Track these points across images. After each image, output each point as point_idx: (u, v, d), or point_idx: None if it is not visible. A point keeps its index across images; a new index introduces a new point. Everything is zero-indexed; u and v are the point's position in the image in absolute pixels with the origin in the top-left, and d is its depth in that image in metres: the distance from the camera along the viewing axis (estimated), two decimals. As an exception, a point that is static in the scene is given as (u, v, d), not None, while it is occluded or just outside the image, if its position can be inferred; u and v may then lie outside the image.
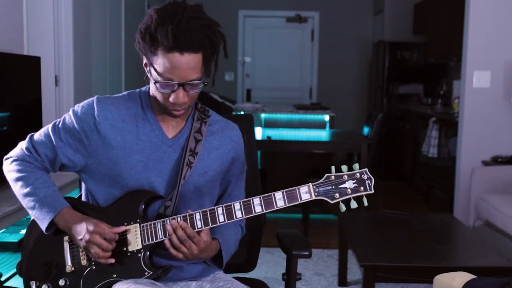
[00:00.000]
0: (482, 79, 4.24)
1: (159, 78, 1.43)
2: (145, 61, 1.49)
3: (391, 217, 3.22)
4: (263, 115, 5.70)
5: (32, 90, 3.05)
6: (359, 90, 7.95)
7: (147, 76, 1.53)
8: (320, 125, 5.66)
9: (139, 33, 1.44)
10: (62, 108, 3.78)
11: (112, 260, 1.49)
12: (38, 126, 3.03)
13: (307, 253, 1.75)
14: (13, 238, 2.86)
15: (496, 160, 4.11)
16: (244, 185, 1.73)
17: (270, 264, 3.52)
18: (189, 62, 1.41)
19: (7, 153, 1.61)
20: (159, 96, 1.48)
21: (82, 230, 1.47)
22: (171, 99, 1.46)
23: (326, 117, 5.69)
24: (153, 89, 1.50)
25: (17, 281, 2.55)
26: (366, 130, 4.86)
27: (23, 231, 2.88)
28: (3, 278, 2.52)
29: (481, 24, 4.22)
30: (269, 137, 4.39)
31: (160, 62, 1.41)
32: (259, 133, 4.77)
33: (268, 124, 5.64)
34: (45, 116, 3.26)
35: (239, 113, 5.15)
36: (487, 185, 3.88)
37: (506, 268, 2.42)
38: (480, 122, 4.27)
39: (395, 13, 7.13)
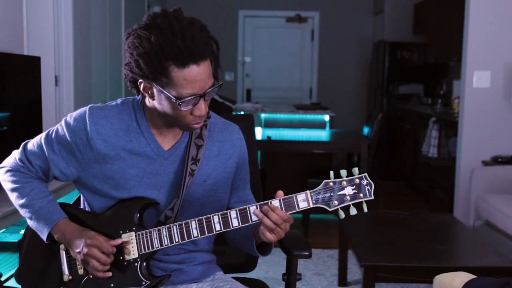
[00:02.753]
0: (482, 79, 4.24)
1: (179, 97, 1.36)
2: (143, 85, 1.41)
3: (391, 217, 3.22)
4: (263, 115, 5.70)
5: (32, 90, 3.05)
6: (359, 90, 7.95)
7: (142, 98, 1.47)
8: (320, 125, 5.67)
9: (140, 59, 1.34)
10: (62, 108, 3.78)
11: (110, 274, 1.47)
12: (38, 126, 3.03)
13: (307, 253, 1.75)
14: (13, 238, 2.86)
15: (496, 160, 4.11)
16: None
17: (270, 264, 3.52)
18: (205, 71, 1.36)
19: (7, 153, 1.61)
20: (177, 115, 1.40)
21: (80, 243, 1.46)
22: (194, 114, 1.40)
23: (326, 117, 5.69)
24: (166, 109, 1.40)
25: (17, 281, 2.55)
26: (366, 130, 4.86)
27: (23, 231, 2.88)
28: (3, 278, 2.52)
29: (481, 24, 4.21)
30: (269, 137, 4.39)
31: (176, 80, 1.34)
32: (259, 133, 4.77)
33: (268, 124, 5.64)
34: (45, 116, 3.27)
35: (239, 113, 5.16)
36: (487, 185, 3.88)
37: (506, 268, 2.42)
38: (480, 122, 4.27)
39: (395, 13, 7.13)
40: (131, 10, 5.35)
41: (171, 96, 1.36)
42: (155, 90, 1.40)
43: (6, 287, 2.30)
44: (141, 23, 1.39)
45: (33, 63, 3.07)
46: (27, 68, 3.01)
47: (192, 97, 1.36)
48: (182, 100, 1.36)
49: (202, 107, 1.40)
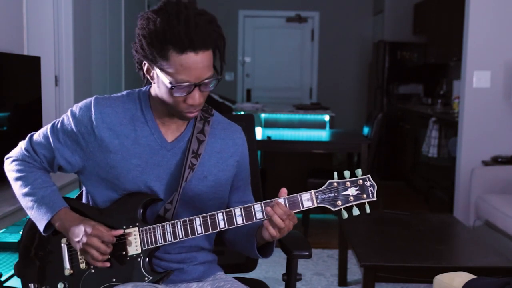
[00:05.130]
0: (482, 79, 4.24)
1: (174, 82, 1.38)
2: (147, 67, 1.45)
3: (391, 217, 3.22)
4: (263, 115, 5.70)
5: (32, 90, 3.05)
6: (359, 90, 7.95)
7: (147, 81, 1.50)
8: (320, 125, 5.67)
9: (143, 39, 1.39)
10: (62, 108, 3.78)
11: (108, 264, 1.48)
12: (38, 126, 3.02)
13: (307, 253, 1.75)
14: (13, 238, 2.87)
15: (496, 160, 4.11)
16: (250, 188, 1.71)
17: (270, 264, 3.52)
18: (203, 60, 1.38)
19: (7, 153, 1.62)
20: (171, 100, 1.42)
21: (80, 232, 1.45)
22: (187, 102, 1.41)
23: (326, 117, 5.69)
24: (163, 93, 1.43)
25: (17, 281, 2.55)
26: (366, 130, 4.86)
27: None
28: (3, 278, 2.52)
29: (481, 24, 4.21)
30: (269, 137, 4.39)
31: (173, 65, 1.37)
32: (259, 133, 4.77)
33: (268, 124, 5.64)
34: (45, 116, 3.26)
35: (239, 113, 5.16)
36: (487, 185, 3.88)
37: (506, 268, 2.42)
38: (480, 122, 4.27)
39: (395, 13, 7.13)
40: (131, 10, 5.34)
41: (167, 79, 1.39)
42: (154, 73, 1.43)
43: (6, 287, 2.30)
44: (155, 7, 1.43)
45: (33, 63, 3.07)
46: (27, 68, 3.01)
47: (186, 83, 1.38)
48: (175, 85, 1.38)
49: (196, 97, 1.41)
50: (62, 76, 3.77)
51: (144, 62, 1.44)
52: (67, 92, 3.80)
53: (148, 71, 1.45)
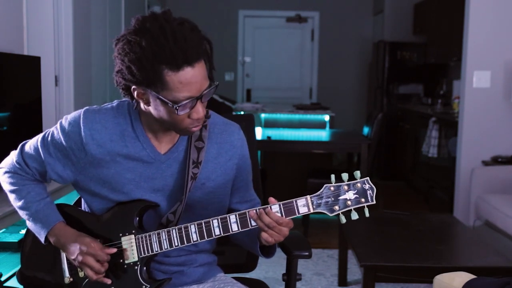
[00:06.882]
0: (482, 79, 4.24)
1: (176, 101, 1.32)
2: (137, 92, 1.37)
3: (391, 217, 3.22)
4: (263, 115, 5.70)
5: (32, 90, 3.05)
6: (359, 90, 7.95)
7: (137, 104, 1.44)
8: (320, 125, 5.67)
9: (132, 65, 1.31)
10: (62, 108, 3.78)
11: (109, 281, 1.47)
12: (38, 126, 3.03)
13: (307, 253, 1.74)
14: (13, 238, 2.86)
15: (496, 160, 4.11)
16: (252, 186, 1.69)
17: (270, 264, 3.52)
18: (200, 72, 1.33)
19: (7, 153, 1.61)
20: (175, 119, 1.36)
21: (75, 250, 1.45)
22: (192, 117, 1.36)
23: (326, 117, 5.69)
24: (163, 114, 1.37)
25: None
26: (366, 130, 4.86)
27: (23, 231, 2.88)
28: (3, 278, 2.52)
29: (481, 24, 4.21)
30: (269, 137, 4.39)
31: (171, 84, 1.30)
32: (259, 133, 4.77)
33: (268, 124, 5.64)
34: (45, 116, 3.26)
35: (239, 113, 5.16)
36: (487, 185, 3.88)
37: (506, 268, 2.42)
38: (480, 122, 4.27)
39: (395, 13, 7.13)
40: (131, 10, 5.34)
41: (167, 101, 1.33)
42: (150, 96, 1.36)
43: (6, 287, 2.30)
44: (130, 27, 1.35)
45: (33, 63, 3.07)
46: (27, 68, 3.01)
47: (188, 100, 1.33)
48: (179, 104, 1.33)
49: (200, 110, 1.37)
50: (62, 76, 3.77)
51: (134, 87, 1.37)
52: (67, 92, 3.79)
53: (140, 95, 1.38)
